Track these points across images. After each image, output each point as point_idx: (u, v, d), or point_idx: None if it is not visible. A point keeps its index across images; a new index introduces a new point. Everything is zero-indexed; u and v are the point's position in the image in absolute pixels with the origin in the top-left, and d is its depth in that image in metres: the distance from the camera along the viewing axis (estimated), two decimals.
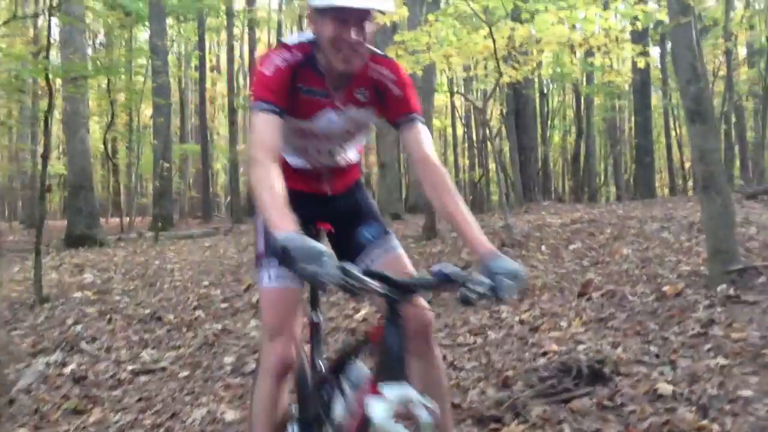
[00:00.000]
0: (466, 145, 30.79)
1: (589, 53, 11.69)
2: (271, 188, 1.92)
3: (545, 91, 24.77)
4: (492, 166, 22.14)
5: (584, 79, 21.23)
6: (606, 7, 8.59)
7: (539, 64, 10.70)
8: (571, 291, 5.76)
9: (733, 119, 20.69)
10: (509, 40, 8.24)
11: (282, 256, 1.65)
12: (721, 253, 5.21)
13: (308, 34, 2.23)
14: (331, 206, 2.50)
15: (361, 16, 2.06)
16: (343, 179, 2.55)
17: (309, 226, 2.23)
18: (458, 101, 28.22)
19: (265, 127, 2.06)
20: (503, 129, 20.57)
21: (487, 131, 15.64)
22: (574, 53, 11.49)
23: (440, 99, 24.84)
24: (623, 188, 24.01)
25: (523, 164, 15.65)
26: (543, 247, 7.86)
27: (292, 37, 2.28)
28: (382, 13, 2.10)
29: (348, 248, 2.46)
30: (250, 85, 3.34)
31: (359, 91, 2.28)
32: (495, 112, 24.98)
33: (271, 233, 1.81)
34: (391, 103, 2.28)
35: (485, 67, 15.07)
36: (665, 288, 5.29)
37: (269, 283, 2.33)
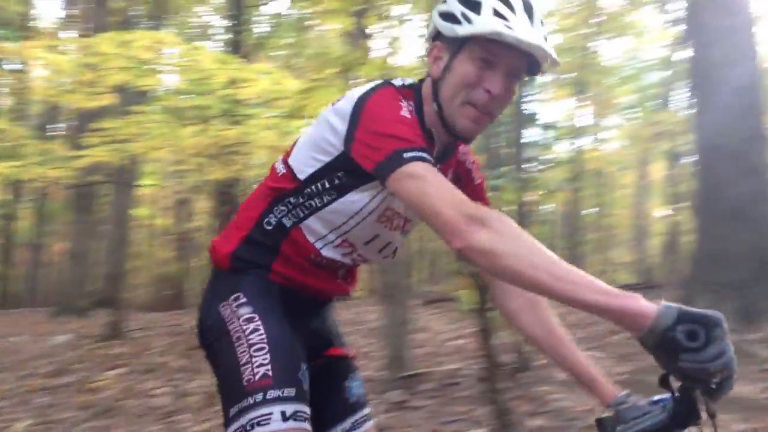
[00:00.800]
0: (171, 237, 29.87)
1: None
2: (549, 256, 1.23)
3: (248, 192, 25.31)
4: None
5: None
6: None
7: (248, 166, 10.95)
8: None
9: None
10: (219, 139, 8.31)
11: (665, 346, 1.11)
12: (396, 360, 5.62)
13: (409, 79, 1.66)
14: (321, 317, 1.84)
15: (520, 64, 1.49)
16: (355, 277, 1.85)
17: (309, 348, 1.71)
18: (164, 192, 27.53)
19: (441, 181, 1.37)
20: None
21: (192, 225, 15.36)
22: None
23: (147, 189, 24.04)
24: None
25: None
26: None
27: (396, 80, 1.63)
28: (534, 73, 1.53)
29: (327, 404, 1.77)
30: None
31: (451, 171, 1.72)
32: (204, 207, 24.78)
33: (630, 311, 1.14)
34: (469, 193, 1.58)
35: (196, 164, 14.92)
36: None
37: (286, 425, 1.47)
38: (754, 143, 7.21)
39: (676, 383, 1.25)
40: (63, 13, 20.13)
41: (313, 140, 1.61)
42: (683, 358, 1.09)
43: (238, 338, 1.55)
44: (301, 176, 1.61)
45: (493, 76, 1.47)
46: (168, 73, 6.91)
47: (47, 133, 18.01)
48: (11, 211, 19.66)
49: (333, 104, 1.59)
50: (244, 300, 1.62)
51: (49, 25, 22.05)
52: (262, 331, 1.55)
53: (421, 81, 1.64)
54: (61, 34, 17.34)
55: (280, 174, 1.68)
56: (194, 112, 8.02)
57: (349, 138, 1.47)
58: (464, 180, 1.74)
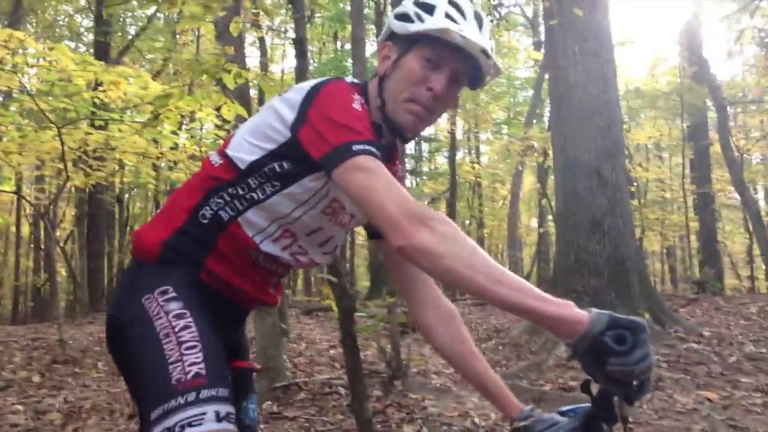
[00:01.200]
0: (32, 246, 28.12)
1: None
2: (488, 260, 1.24)
3: (122, 198, 24.33)
4: (63, 271, 20.52)
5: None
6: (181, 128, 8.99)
7: (115, 171, 10.50)
8: (122, 412, 5.46)
9: None
10: (82, 144, 7.93)
11: (595, 350, 1.14)
12: (269, 371, 5.53)
13: (356, 80, 1.64)
14: (238, 327, 1.75)
15: (463, 69, 1.52)
16: (281, 287, 1.79)
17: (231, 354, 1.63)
18: (29, 199, 25.88)
19: (387, 177, 1.35)
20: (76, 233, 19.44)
21: (56, 234, 14.54)
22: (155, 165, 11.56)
23: (6, 196, 22.53)
24: None
25: (92, 271, 14.84)
26: (100, 364, 7.39)
27: (346, 78, 1.63)
28: (476, 84, 1.57)
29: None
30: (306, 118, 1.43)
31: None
32: (69, 214, 23.52)
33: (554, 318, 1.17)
34: None
35: (58, 169, 14.22)
36: None
37: (219, 425, 1.35)
38: (611, 159, 7.71)
39: (595, 389, 1.29)
40: None
41: (257, 128, 1.55)
42: (611, 362, 1.13)
43: (167, 335, 1.41)
44: (242, 165, 1.54)
45: (438, 76, 1.51)
46: (24, 73, 6.49)
47: None
48: None
49: (280, 95, 1.57)
50: (173, 294, 1.48)
51: None
52: (194, 329, 1.43)
53: (367, 82, 1.65)
54: None
55: (216, 165, 1.59)
56: (55, 115, 7.59)
57: (298, 124, 1.45)
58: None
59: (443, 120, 26.50)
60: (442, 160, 29.25)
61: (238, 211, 1.56)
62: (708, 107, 18.17)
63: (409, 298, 1.75)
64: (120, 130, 7.83)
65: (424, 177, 28.46)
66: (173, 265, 1.54)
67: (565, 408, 1.48)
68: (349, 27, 15.24)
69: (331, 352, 7.75)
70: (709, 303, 10.34)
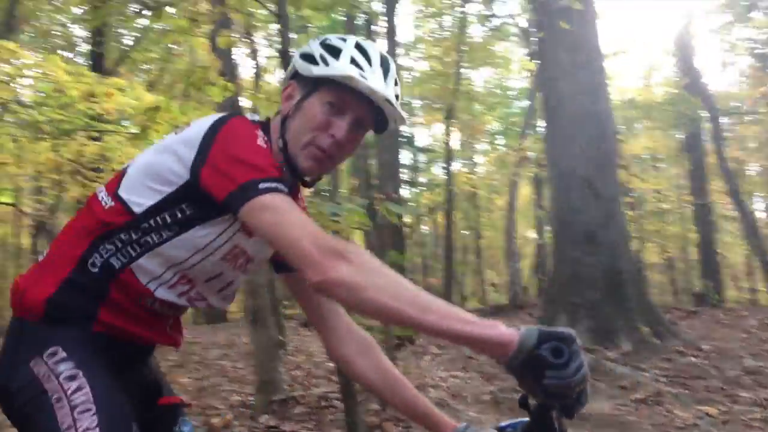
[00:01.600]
0: (32, 257, 28.07)
1: None
2: (411, 288, 1.23)
3: None
4: None
5: None
6: None
7: None
8: None
9: None
10: (78, 155, 7.89)
11: (532, 365, 1.14)
12: (266, 384, 5.49)
13: (256, 116, 1.60)
14: (148, 366, 1.69)
15: (368, 116, 1.50)
16: (181, 327, 1.71)
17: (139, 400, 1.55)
18: (28, 210, 25.79)
19: (298, 213, 1.31)
20: None
21: None
22: None
23: (5, 207, 22.50)
24: (198, 311, 24.28)
25: None
26: None
27: (246, 114, 1.58)
28: (380, 129, 1.55)
29: None
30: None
31: None
32: None
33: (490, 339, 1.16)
34: None
35: (56, 180, 14.15)
36: (214, 420, 5.32)
37: None
38: (605, 170, 7.70)
39: (533, 403, 1.27)
40: None
41: (153, 169, 1.46)
42: (548, 375, 1.13)
43: (58, 399, 1.35)
44: (138, 210, 1.45)
45: (340, 122, 1.47)
46: (17, 84, 6.47)
47: None
48: None
49: (176, 132, 1.49)
50: (63, 355, 1.40)
51: None
52: (87, 390, 1.35)
53: (269, 119, 1.61)
54: None
55: (106, 207, 1.49)
56: (50, 127, 7.56)
57: (198, 164, 1.37)
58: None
59: (439, 130, 26.51)
60: (438, 171, 29.27)
61: (131, 257, 1.47)
62: (702, 118, 18.22)
63: (323, 332, 1.70)
64: (119, 142, 7.81)
65: (422, 188, 28.48)
66: (61, 323, 1.45)
67: (503, 423, 1.47)
68: None
69: (329, 364, 7.69)
70: (709, 316, 10.31)
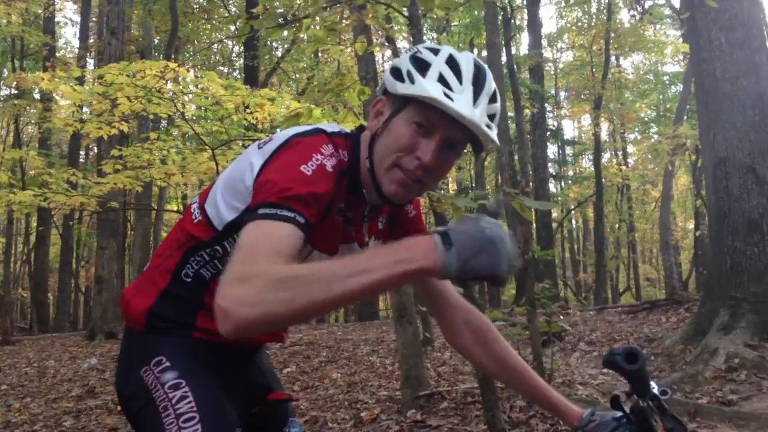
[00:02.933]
0: None
1: None
2: (309, 266, 1.22)
3: None
4: None
5: None
6: None
7: None
8: None
9: None
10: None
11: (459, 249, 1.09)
12: (412, 379, 5.60)
13: (344, 128, 1.52)
14: (255, 364, 1.69)
15: (458, 137, 1.38)
16: None
17: (241, 399, 1.59)
18: None
19: (284, 240, 1.20)
20: None
21: None
22: None
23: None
24: (349, 309, 25.07)
25: None
26: None
27: (331, 125, 1.50)
28: (477, 150, 1.42)
29: None
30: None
31: (383, 217, 1.62)
32: None
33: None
34: (403, 229, 1.61)
35: None
36: (363, 414, 5.51)
37: None
38: (767, 156, 7.14)
39: (626, 404, 1.24)
40: (81, 44, 20.58)
41: (232, 183, 1.44)
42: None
43: (165, 408, 1.39)
44: (219, 225, 1.45)
45: (428, 144, 1.35)
46: (179, 100, 7.05)
47: (69, 161, 18.37)
48: (42, 236, 20.02)
49: (259, 146, 1.45)
50: (167, 364, 1.45)
51: (71, 56, 22.63)
52: (190, 398, 1.39)
53: (360, 129, 1.52)
54: (79, 65, 17.72)
55: (195, 221, 1.50)
56: (210, 138, 8.16)
57: (255, 179, 1.34)
58: (398, 217, 1.63)
59: (586, 121, 25.62)
60: (587, 164, 28.34)
61: (219, 269, 1.45)
62: None
63: (440, 323, 1.68)
64: None
65: (569, 181, 27.71)
66: (163, 332, 1.49)
67: (621, 414, 1.39)
68: (485, 34, 15.25)
69: None
70: None
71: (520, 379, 1.59)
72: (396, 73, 1.38)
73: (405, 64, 1.37)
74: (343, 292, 1.07)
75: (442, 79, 1.33)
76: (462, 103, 1.31)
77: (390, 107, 1.41)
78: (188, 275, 1.50)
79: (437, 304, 1.65)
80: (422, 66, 1.35)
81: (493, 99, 1.38)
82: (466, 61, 1.38)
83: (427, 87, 1.31)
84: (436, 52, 1.39)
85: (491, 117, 1.38)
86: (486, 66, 1.41)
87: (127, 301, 1.55)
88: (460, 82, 1.34)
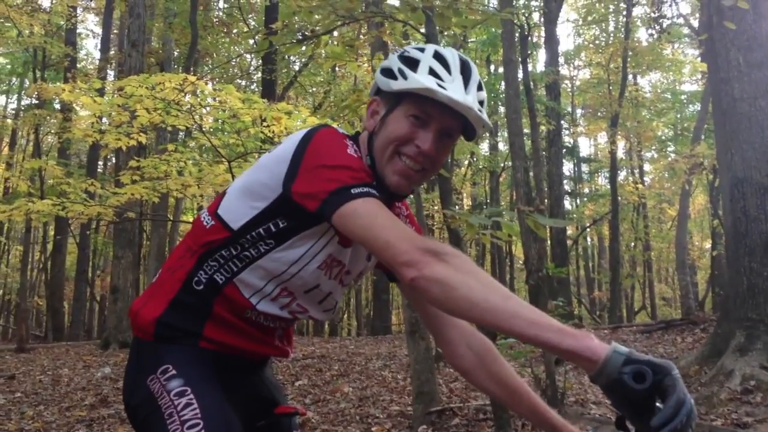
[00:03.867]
0: None
1: None
2: (504, 292, 1.22)
3: None
4: None
5: None
6: None
7: None
8: None
9: None
10: None
11: (615, 388, 1.09)
12: (424, 395, 5.59)
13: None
14: (260, 377, 1.71)
15: (452, 125, 1.47)
16: (291, 338, 1.74)
17: (251, 412, 1.63)
18: None
19: (391, 216, 1.34)
20: None
21: None
22: None
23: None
24: (362, 323, 25.07)
25: None
26: None
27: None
28: (470, 136, 1.52)
29: None
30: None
31: None
32: None
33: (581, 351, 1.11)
34: None
35: None
36: (374, 429, 5.51)
37: None
38: None
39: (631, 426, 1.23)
40: (102, 55, 20.86)
41: (248, 187, 1.51)
42: (654, 422, 1.04)
43: (170, 414, 1.42)
44: (235, 226, 1.50)
45: (426, 134, 1.45)
46: (197, 113, 7.12)
47: (88, 171, 18.57)
48: (59, 245, 20.20)
49: (270, 151, 1.53)
50: (173, 372, 1.48)
51: (92, 68, 22.94)
52: (195, 406, 1.42)
53: (358, 134, 1.61)
54: (100, 76, 17.96)
55: (208, 227, 1.55)
56: (227, 150, 8.22)
57: (290, 178, 1.40)
58: None
59: (603, 139, 25.53)
60: (602, 181, 28.23)
61: (233, 272, 1.52)
62: None
63: (440, 344, 1.68)
64: None
65: (585, 199, 27.60)
66: (170, 341, 1.52)
67: None
68: (501, 50, 15.28)
69: None
70: None
71: (520, 400, 1.58)
72: (387, 72, 1.47)
73: (395, 63, 1.47)
74: (510, 326, 1.16)
75: (432, 72, 1.43)
76: (454, 90, 1.41)
77: (385, 106, 1.50)
78: (200, 282, 1.53)
79: (437, 322, 1.65)
80: (412, 63, 1.45)
81: (479, 87, 1.48)
82: (452, 54, 1.48)
83: (421, 79, 1.40)
84: (422, 50, 1.49)
85: (480, 104, 1.46)
86: (470, 59, 1.51)
87: (136, 312, 1.57)
88: (450, 73, 1.44)
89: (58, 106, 19.39)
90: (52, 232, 22.46)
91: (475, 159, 23.52)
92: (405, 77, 1.43)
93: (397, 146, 1.46)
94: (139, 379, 1.50)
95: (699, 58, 17.38)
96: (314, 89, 22.15)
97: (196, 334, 1.52)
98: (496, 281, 1.23)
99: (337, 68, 18.95)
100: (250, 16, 20.32)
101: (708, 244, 22.60)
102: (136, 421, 1.52)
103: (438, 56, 1.47)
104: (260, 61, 17.09)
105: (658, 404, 1.08)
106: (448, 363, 1.74)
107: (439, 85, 1.40)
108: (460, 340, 1.63)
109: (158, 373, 1.47)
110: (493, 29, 17.00)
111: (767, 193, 7.05)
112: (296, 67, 20.59)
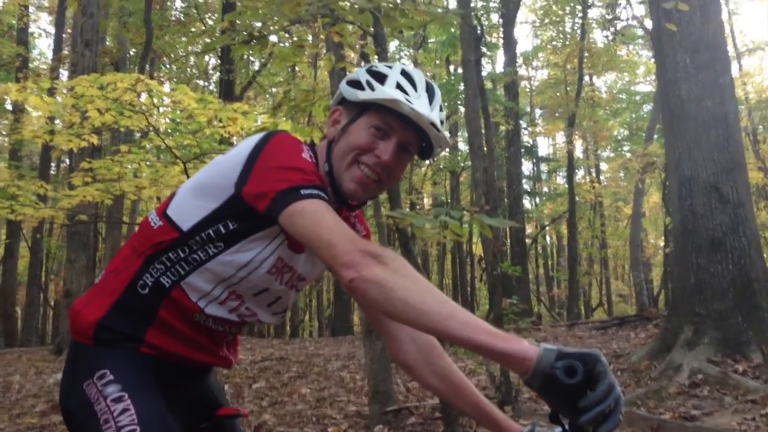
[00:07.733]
0: None
1: None
2: (441, 296, 1.24)
3: None
4: None
5: None
6: None
7: None
8: None
9: None
10: None
11: (549, 385, 1.13)
12: (380, 394, 5.61)
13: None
14: (202, 382, 1.70)
15: (412, 139, 1.52)
16: (236, 348, 1.74)
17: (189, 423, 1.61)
18: None
19: (337, 218, 1.36)
20: None
21: None
22: None
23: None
24: (323, 324, 25.00)
25: None
26: (226, 387, 7.77)
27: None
28: (425, 155, 1.57)
29: None
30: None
31: None
32: None
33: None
34: None
35: None
36: (330, 429, 5.51)
37: None
38: (730, 174, 7.29)
39: (565, 419, 1.26)
40: (55, 55, 20.44)
41: (200, 186, 1.51)
42: (582, 403, 1.10)
43: (106, 420, 1.39)
44: (184, 227, 1.49)
45: (386, 145, 1.49)
46: (151, 113, 7.04)
47: (40, 173, 18.18)
48: (11, 249, 19.73)
49: (224, 153, 1.54)
50: (110, 378, 1.44)
51: (45, 68, 22.46)
52: (132, 412, 1.40)
53: (314, 143, 1.63)
54: (53, 76, 17.59)
55: (155, 228, 1.53)
56: (182, 151, 8.13)
57: (243, 179, 1.41)
58: None
59: (561, 139, 25.90)
60: (561, 180, 28.62)
61: (180, 275, 1.50)
62: None
63: (386, 341, 1.70)
64: None
65: (543, 198, 27.95)
66: (109, 345, 1.49)
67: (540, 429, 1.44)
68: (460, 51, 15.39)
69: None
70: None
71: (463, 396, 1.61)
72: (354, 83, 1.52)
73: (363, 75, 1.52)
74: (444, 328, 1.19)
75: (399, 87, 1.48)
76: (419, 104, 1.47)
77: (348, 115, 1.54)
78: (146, 285, 1.51)
79: (382, 319, 1.65)
80: (379, 77, 1.50)
81: (441, 109, 1.54)
82: (418, 74, 1.55)
83: (388, 91, 1.46)
84: (390, 66, 1.54)
85: (441, 123, 1.51)
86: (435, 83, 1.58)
87: (77, 312, 1.54)
88: (416, 89, 1.50)
89: (9, 107, 18.95)
90: (3, 236, 21.91)
91: (435, 159, 23.64)
92: (372, 88, 1.48)
93: (357, 155, 1.49)
94: (75, 383, 1.47)
95: (652, 59, 17.74)
96: (275, 89, 22.04)
97: (137, 339, 1.49)
98: (433, 286, 1.26)
99: (296, 68, 18.89)
100: (207, 15, 20.13)
101: (662, 242, 23.09)
102: (71, 426, 1.49)
103: (405, 74, 1.52)
104: (218, 60, 16.95)
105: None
106: (393, 359, 1.76)
107: (406, 99, 1.45)
108: (406, 336, 1.65)
109: (95, 378, 1.45)
110: (453, 30, 17.11)
111: (713, 191, 7.24)
112: (256, 67, 20.47)
